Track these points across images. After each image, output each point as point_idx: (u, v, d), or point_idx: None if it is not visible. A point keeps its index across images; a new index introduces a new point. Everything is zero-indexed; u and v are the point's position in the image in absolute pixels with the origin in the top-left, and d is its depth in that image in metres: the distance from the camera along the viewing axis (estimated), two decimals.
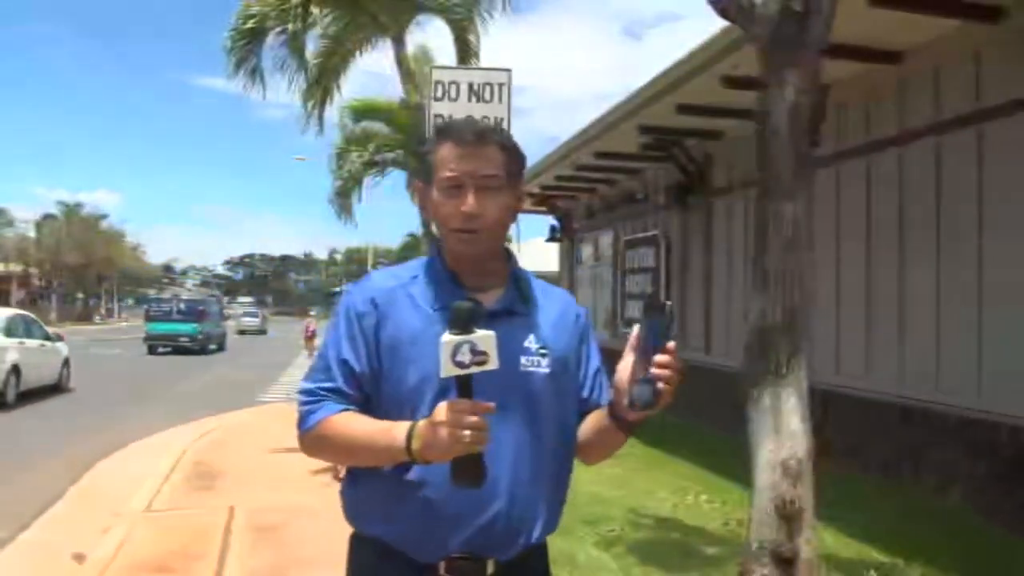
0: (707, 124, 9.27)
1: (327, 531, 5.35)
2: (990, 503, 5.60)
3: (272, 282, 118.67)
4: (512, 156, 1.65)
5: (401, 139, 13.39)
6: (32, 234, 58.25)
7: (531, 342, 1.62)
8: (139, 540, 5.31)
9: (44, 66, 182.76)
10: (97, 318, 59.35)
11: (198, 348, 28.07)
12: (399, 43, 9.97)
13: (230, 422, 11.10)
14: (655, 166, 11.06)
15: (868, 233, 7.22)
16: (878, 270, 7.10)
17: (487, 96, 6.23)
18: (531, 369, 1.60)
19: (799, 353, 3.24)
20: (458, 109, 6.12)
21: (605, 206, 13.87)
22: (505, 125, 6.50)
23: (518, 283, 1.68)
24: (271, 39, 9.78)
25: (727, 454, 5.64)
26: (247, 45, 9.74)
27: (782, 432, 3.11)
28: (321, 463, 7.24)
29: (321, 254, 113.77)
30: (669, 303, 1.49)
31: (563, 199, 15.39)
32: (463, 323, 1.37)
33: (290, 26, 9.50)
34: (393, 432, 1.49)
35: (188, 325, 28.49)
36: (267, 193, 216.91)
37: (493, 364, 1.37)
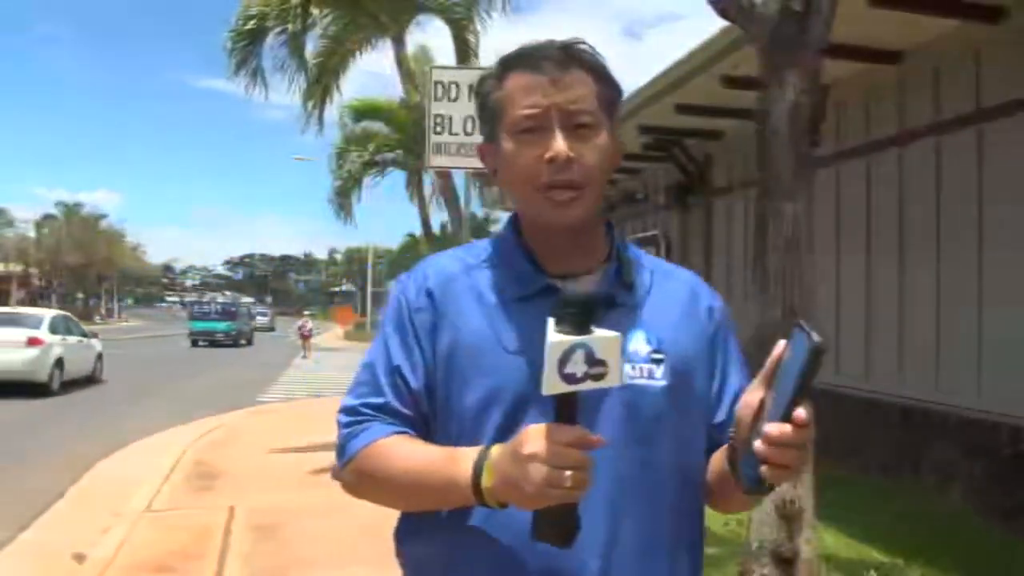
0: (707, 124, 9.27)
1: (327, 531, 5.35)
2: (990, 503, 5.59)
3: (272, 282, 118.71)
4: (608, 82, 1.21)
5: (401, 139, 13.41)
6: (32, 234, 58.30)
7: (639, 343, 1.18)
8: (139, 540, 5.31)
9: (44, 67, 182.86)
10: (97, 318, 59.35)
11: (231, 342, 33.23)
12: (399, 43, 10.00)
13: (230, 422, 11.10)
14: (655, 166, 11.06)
15: (868, 233, 7.22)
16: (878, 270, 7.10)
17: None
18: (640, 381, 1.16)
19: None
20: (458, 109, 6.13)
21: (605, 206, 13.81)
22: None
23: (621, 264, 1.23)
24: (271, 39, 9.81)
25: None
26: (247, 45, 9.75)
27: None
28: (322, 463, 7.26)
29: (321, 254, 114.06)
30: (820, 340, 0.95)
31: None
32: (578, 318, 0.98)
33: (290, 26, 9.52)
34: (457, 462, 1.08)
35: (223, 323, 34.43)
36: (267, 193, 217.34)
37: (614, 380, 0.98)
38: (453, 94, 6.18)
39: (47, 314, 15.06)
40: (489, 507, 1.07)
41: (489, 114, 1.22)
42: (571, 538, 1.02)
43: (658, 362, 1.17)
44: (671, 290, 1.26)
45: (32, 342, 13.28)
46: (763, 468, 1.00)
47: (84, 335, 15.85)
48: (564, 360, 0.96)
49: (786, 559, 2.97)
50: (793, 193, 3.39)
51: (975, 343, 5.94)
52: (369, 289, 52.18)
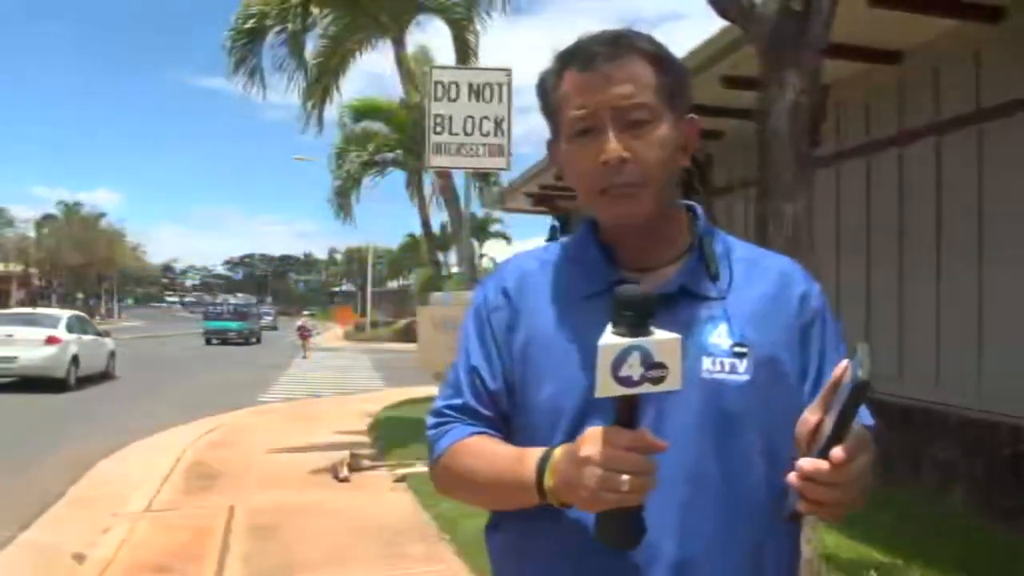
0: (707, 124, 9.22)
1: (327, 531, 5.35)
2: (991, 503, 5.59)
3: (272, 282, 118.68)
4: (667, 67, 1.17)
5: (401, 139, 13.41)
6: (32, 234, 58.27)
7: (720, 336, 1.12)
8: (139, 540, 5.31)
9: (45, 66, 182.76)
10: (97, 318, 59.39)
11: (243, 340, 35.29)
12: (399, 43, 9.99)
13: (230, 422, 11.10)
14: None
15: (868, 233, 7.22)
16: (878, 270, 7.10)
17: (487, 96, 6.23)
18: (720, 376, 1.11)
19: None
20: (458, 109, 6.13)
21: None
22: (506, 126, 6.51)
23: (704, 252, 1.19)
24: (271, 39, 9.81)
25: None
26: (247, 45, 9.76)
27: None
28: (321, 463, 7.27)
29: (321, 254, 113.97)
30: (864, 378, 0.89)
31: (564, 199, 15.38)
32: (634, 319, 0.95)
33: (290, 26, 9.52)
34: (524, 462, 1.08)
35: (236, 323, 36.99)
36: (267, 193, 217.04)
37: (675, 383, 0.94)
38: (453, 94, 6.18)
39: (64, 314, 16.40)
40: (554, 504, 1.05)
41: (550, 113, 1.20)
42: (634, 542, 1.00)
43: (741, 356, 1.12)
44: (760, 279, 1.19)
45: (50, 340, 14.40)
46: (798, 502, 0.96)
47: (98, 334, 17.09)
48: (619, 363, 0.93)
49: None
50: (793, 193, 3.39)
51: (976, 343, 5.94)
52: (369, 289, 52.19)
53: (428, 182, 15.53)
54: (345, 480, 6.89)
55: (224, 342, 34.94)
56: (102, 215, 63.27)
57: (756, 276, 1.20)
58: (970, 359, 5.96)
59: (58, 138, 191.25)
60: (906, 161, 6.80)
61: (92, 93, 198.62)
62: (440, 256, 24.30)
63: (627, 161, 1.11)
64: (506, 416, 1.19)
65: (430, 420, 1.24)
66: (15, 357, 14.09)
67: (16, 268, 53.60)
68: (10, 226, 57.85)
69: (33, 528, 5.76)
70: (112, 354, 17.39)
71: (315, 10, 9.81)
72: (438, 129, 6.15)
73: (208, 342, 35.02)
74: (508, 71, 6.34)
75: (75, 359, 14.89)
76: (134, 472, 7.55)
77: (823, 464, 0.92)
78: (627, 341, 0.93)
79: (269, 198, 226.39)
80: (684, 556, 1.08)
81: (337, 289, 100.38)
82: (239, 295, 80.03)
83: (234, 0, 9.86)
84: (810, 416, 1.00)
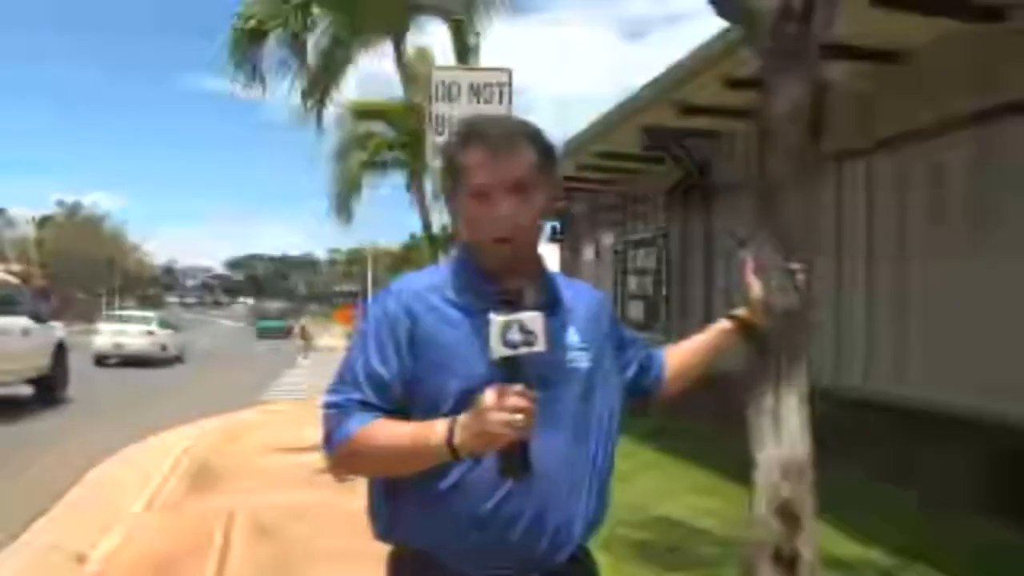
0: (708, 124, 9.27)
1: (327, 531, 5.35)
2: (991, 503, 5.59)
3: (272, 282, 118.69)
4: (544, 151, 1.58)
5: (401, 139, 13.40)
6: (32, 234, 58.29)
7: (572, 337, 1.60)
8: (139, 540, 5.31)
9: (45, 66, 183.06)
10: (99, 324, 59.39)
11: (284, 336, 43.36)
12: (399, 43, 9.99)
13: (231, 422, 11.11)
14: (655, 166, 11.07)
15: (868, 233, 7.23)
16: (878, 269, 7.11)
17: (487, 96, 6.23)
18: (576, 365, 1.58)
19: (800, 353, 3.24)
20: (458, 109, 6.12)
21: (606, 206, 13.88)
22: None
23: (548, 281, 1.64)
24: (272, 40, 9.80)
25: (727, 454, 5.64)
26: (248, 45, 9.75)
27: (782, 432, 3.11)
28: (321, 463, 7.25)
29: (321, 254, 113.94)
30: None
31: (564, 199, 15.40)
32: (512, 303, 1.39)
33: (291, 27, 9.52)
34: (434, 427, 1.43)
35: (277, 322, 49.37)
36: (267, 193, 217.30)
37: (541, 346, 1.37)
38: (454, 94, 6.18)
39: (155, 315, 26.77)
40: (461, 458, 1.42)
41: (452, 172, 1.58)
42: (528, 470, 1.40)
43: (584, 350, 1.60)
44: (580, 297, 1.69)
45: (149, 333, 23.27)
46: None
47: (176, 329, 25.97)
48: (504, 331, 1.36)
49: (786, 559, 2.97)
50: (794, 194, 3.39)
51: (977, 342, 5.94)
52: (370, 289, 52.24)
53: (429, 183, 15.54)
54: (345, 480, 6.90)
55: (271, 337, 45.00)
56: (104, 217, 63.35)
57: (577, 295, 1.69)
58: (972, 359, 5.97)
59: (59, 138, 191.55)
60: (906, 161, 6.81)
61: (92, 93, 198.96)
62: (441, 257, 24.26)
63: (510, 218, 1.51)
64: (399, 407, 1.51)
65: (329, 411, 1.54)
66: (125, 344, 22.57)
67: (16, 268, 53.61)
68: (10, 226, 57.89)
69: (33, 528, 5.76)
70: (184, 344, 25.79)
71: (315, 10, 9.81)
72: (439, 129, 6.15)
73: (261, 337, 46.10)
74: (509, 72, 6.33)
75: (164, 347, 23.48)
76: (134, 472, 7.55)
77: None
78: (510, 316, 1.37)
79: (269, 198, 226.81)
80: (561, 485, 1.52)
81: (337, 289, 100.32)
82: (277, 302, 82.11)
83: (234, 0, 9.88)
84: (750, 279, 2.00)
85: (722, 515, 5.59)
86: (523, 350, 1.36)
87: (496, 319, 1.37)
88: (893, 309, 6.92)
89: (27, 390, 12.43)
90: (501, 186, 1.51)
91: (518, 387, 1.36)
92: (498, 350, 1.36)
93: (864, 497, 5.92)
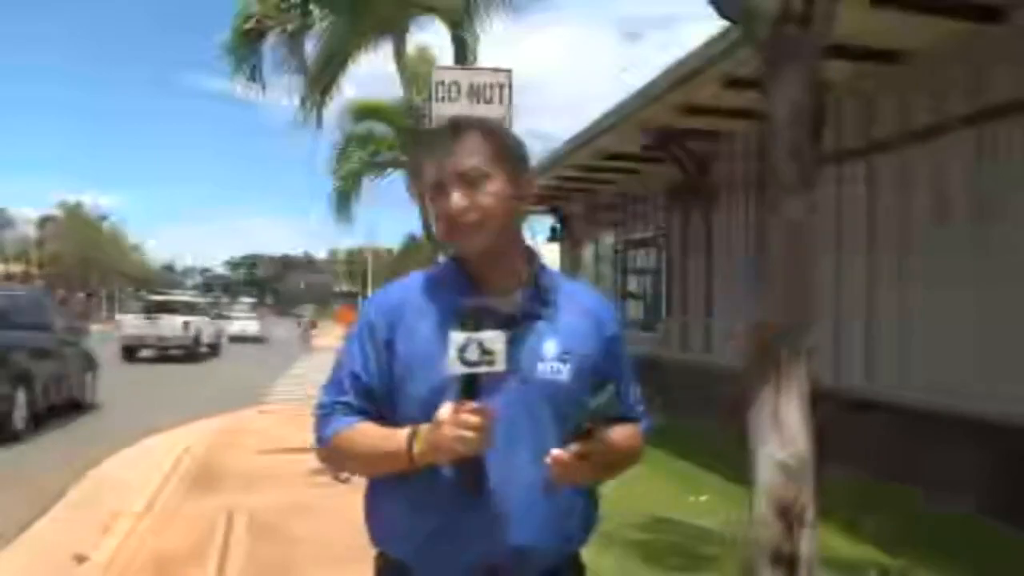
0: (708, 124, 9.27)
1: (327, 531, 5.35)
2: (993, 504, 5.59)
3: (272, 282, 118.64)
4: (498, 140, 1.55)
5: (401, 139, 13.39)
6: (33, 234, 58.27)
7: (551, 347, 1.53)
8: (139, 540, 5.31)
9: (45, 66, 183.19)
10: (100, 325, 59.42)
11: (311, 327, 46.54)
12: (399, 43, 9.98)
13: (231, 422, 11.10)
14: (656, 166, 11.07)
15: (869, 233, 7.22)
16: (879, 270, 7.11)
17: (488, 96, 6.23)
18: (549, 377, 1.52)
19: (800, 353, 3.24)
20: (458, 109, 6.12)
21: (606, 206, 13.88)
22: (506, 125, 6.51)
23: (539, 284, 1.58)
24: (271, 39, 9.78)
25: (727, 454, 5.64)
26: (247, 45, 9.74)
27: (782, 432, 3.11)
28: (320, 463, 7.24)
29: (321, 254, 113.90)
30: (592, 406, 1.45)
31: (564, 199, 15.40)
32: (471, 322, 1.36)
33: (290, 26, 9.51)
34: (398, 436, 1.46)
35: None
36: (268, 193, 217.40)
37: (500, 366, 1.35)
38: (454, 94, 6.18)
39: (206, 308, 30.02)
40: (419, 468, 1.43)
41: (416, 176, 1.87)
42: (479, 488, 1.43)
43: (564, 361, 1.53)
44: (578, 306, 1.61)
45: (185, 325, 24.82)
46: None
47: (212, 319, 28.31)
48: (463, 349, 1.34)
49: (786, 559, 2.97)
50: (794, 194, 3.39)
51: (978, 342, 5.94)
52: (370, 289, 52.27)
53: None
54: (346, 480, 6.90)
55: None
56: (104, 217, 63.32)
57: (575, 302, 1.61)
58: (973, 359, 5.97)
59: (60, 138, 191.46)
60: (906, 161, 6.80)
61: (94, 94, 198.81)
62: (440, 257, 24.23)
63: (468, 208, 1.49)
64: (380, 408, 1.54)
65: (318, 411, 1.59)
66: (164, 336, 24.42)
67: (16, 268, 53.59)
68: (10, 226, 57.87)
69: (33, 528, 5.76)
70: (221, 333, 28.82)
71: (315, 9, 9.80)
72: None
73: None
74: (509, 72, 6.33)
75: (197, 339, 25.31)
76: (134, 472, 7.55)
77: (563, 454, 1.39)
78: (468, 334, 1.34)
79: (270, 198, 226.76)
80: (528, 503, 1.48)
81: (337, 289, 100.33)
82: (305, 308, 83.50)
83: (234, 1, 9.87)
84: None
85: (722, 515, 5.59)
86: (482, 368, 1.34)
87: (455, 337, 1.35)
88: (893, 309, 6.92)
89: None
90: (451, 177, 1.50)
91: (473, 404, 1.35)
92: (455, 366, 1.35)
93: (864, 497, 5.91)
